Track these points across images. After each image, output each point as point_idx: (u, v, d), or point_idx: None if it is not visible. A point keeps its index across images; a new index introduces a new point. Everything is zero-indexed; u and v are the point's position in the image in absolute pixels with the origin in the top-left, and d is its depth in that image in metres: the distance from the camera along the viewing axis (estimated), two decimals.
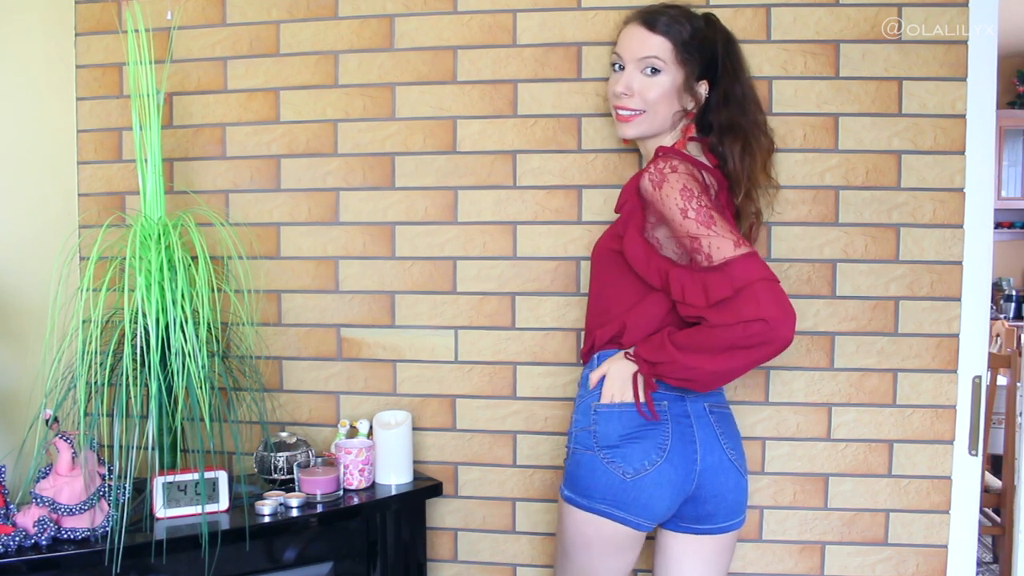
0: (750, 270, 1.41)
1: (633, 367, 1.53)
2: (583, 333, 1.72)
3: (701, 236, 1.44)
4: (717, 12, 1.79)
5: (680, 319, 1.52)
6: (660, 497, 1.51)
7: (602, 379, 1.56)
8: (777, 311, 1.40)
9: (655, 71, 1.57)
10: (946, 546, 1.82)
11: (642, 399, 1.51)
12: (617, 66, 1.62)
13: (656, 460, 1.50)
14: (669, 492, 1.51)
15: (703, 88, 1.60)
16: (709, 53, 1.59)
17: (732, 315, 1.40)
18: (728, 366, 1.46)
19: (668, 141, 1.62)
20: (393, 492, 1.80)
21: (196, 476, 1.65)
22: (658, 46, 1.56)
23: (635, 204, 1.54)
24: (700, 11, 1.63)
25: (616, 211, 1.60)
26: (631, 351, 1.55)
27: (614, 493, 1.50)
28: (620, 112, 1.61)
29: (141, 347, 1.64)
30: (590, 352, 1.63)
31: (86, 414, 1.55)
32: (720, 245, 1.43)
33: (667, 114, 1.59)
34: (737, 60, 1.63)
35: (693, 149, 1.61)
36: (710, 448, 1.54)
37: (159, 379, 1.61)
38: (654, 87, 1.57)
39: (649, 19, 1.58)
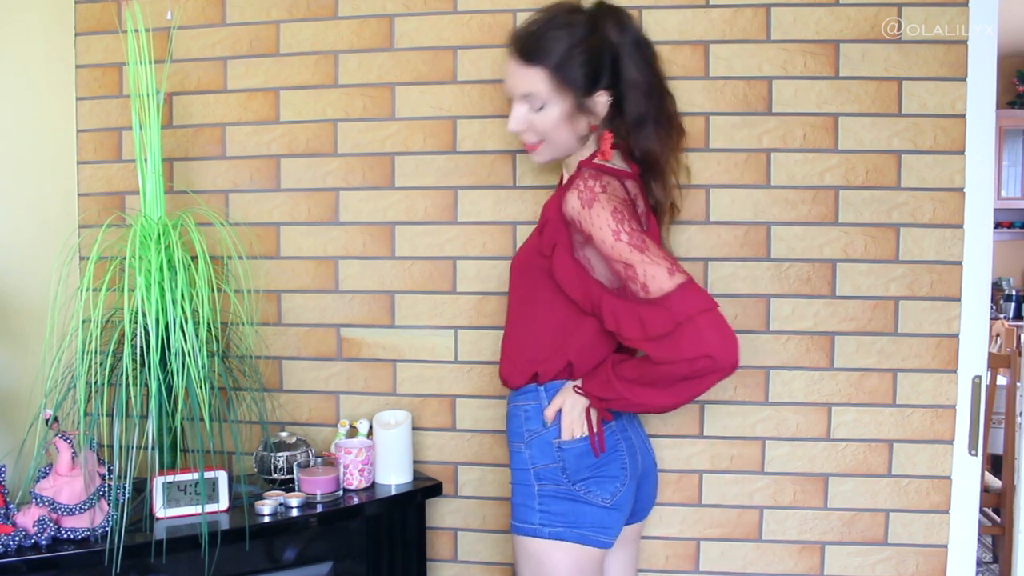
0: (689, 303, 1.36)
1: (585, 401, 1.51)
2: (504, 353, 1.62)
3: (635, 263, 1.39)
4: (717, 12, 1.80)
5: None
6: (627, 509, 1.55)
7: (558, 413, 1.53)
8: (720, 343, 1.36)
9: (540, 106, 1.48)
10: (946, 546, 1.82)
11: (595, 430, 1.51)
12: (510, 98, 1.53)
13: (624, 479, 1.53)
14: (631, 502, 1.56)
15: (602, 99, 1.48)
16: (595, 61, 1.46)
17: (674, 351, 1.37)
18: (677, 400, 1.45)
19: (586, 153, 1.54)
20: (393, 492, 1.80)
21: (196, 476, 1.65)
22: (533, 80, 1.46)
23: (559, 223, 1.47)
24: (586, 4, 1.51)
25: (539, 230, 1.54)
26: (579, 384, 1.52)
27: (600, 519, 1.50)
28: (523, 143, 1.55)
29: (141, 347, 1.64)
30: (530, 381, 1.56)
31: (86, 414, 1.55)
32: (655, 275, 1.38)
33: (569, 138, 1.51)
34: (632, 49, 1.48)
35: (616, 158, 1.54)
36: (643, 452, 1.61)
37: (159, 379, 1.61)
38: (543, 120, 1.49)
39: (520, 47, 1.47)
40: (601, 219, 1.41)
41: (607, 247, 1.40)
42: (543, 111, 1.48)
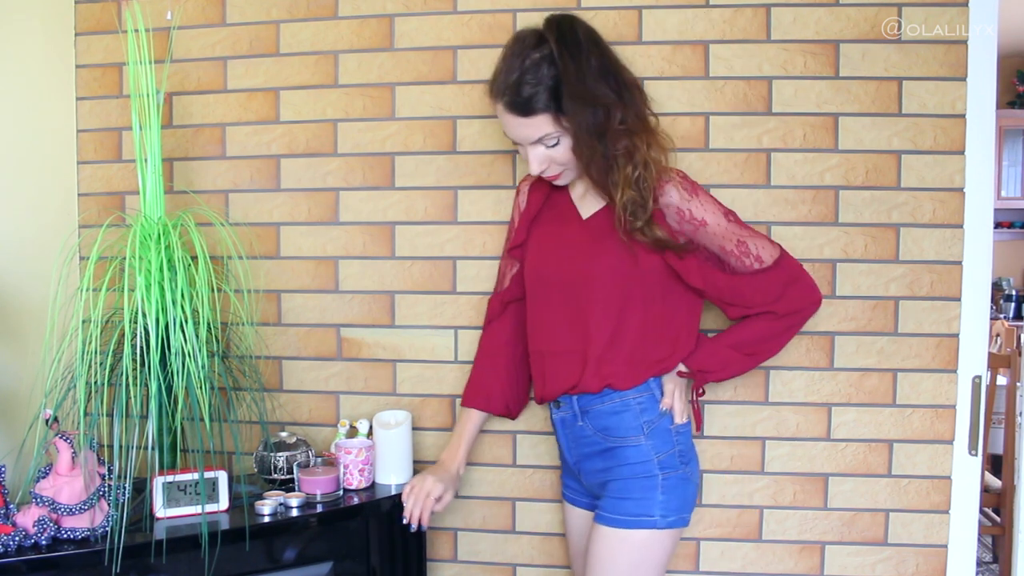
0: (793, 262, 1.62)
1: (688, 381, 1.64)
2: (602, 361, 1.60)
3: (746, 239, 1.58)
4: (717, 12, 1.80)
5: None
6: None
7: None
8: (815, 290, 1.64)
9: (554, 142, 1.53)
10: (946, 546, 1.82)
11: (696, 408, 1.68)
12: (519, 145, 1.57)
13: (696, 456, 1.69)
14: None
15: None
16: (567, 90, 1.49)
17: (793, 305, 1.60)
18: (782, 345, 1.67)
19: None
20: (393, 492, 1.80)
21: (196, 476, 1.65)
22: (541, 125, 1.51)
23: (659, 215, 1.54)
24: (532, 28, 1.55)
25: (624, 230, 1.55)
26: (681, 367, 1.63)
27: (693, 498, 1.64)
28: (546, 177, 1.60)
29: (141, 347, 1.64)
30: (641, 375, 1.60)
31: (86, 414, 1.55)
32: (764, 244, 1.59)
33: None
34: (583, 60, 1.49)
35: None
36: None
37: (159, 379, 1.61)
38: (561, 152, 1.54)
39: (514, 103, 1.50)
40: (710, 204, 1.57)
41: (721, 229, 1.57)
42: (558, 145, 1.54)
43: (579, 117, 1.49)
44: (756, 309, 1.59)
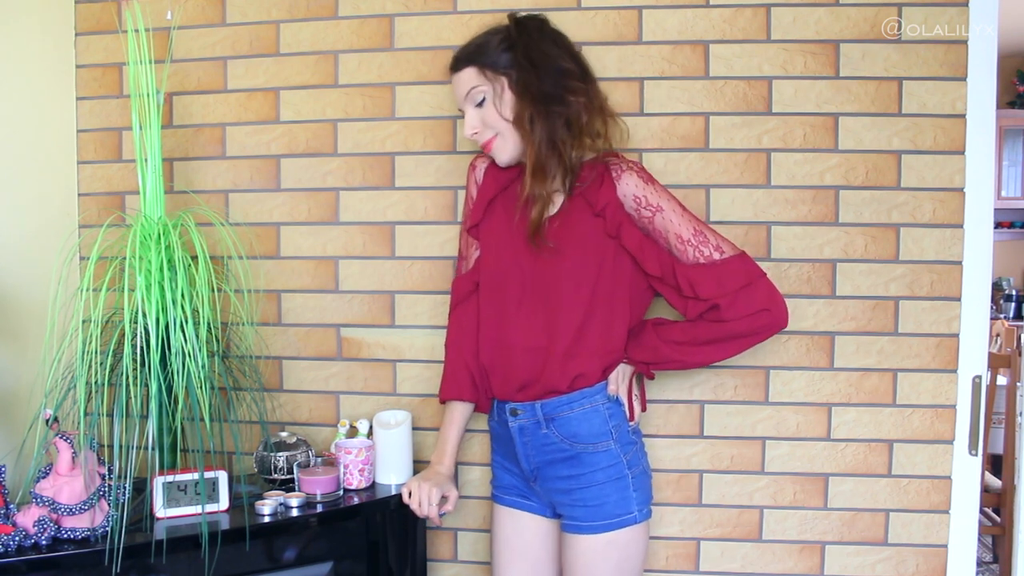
0: (754, 265, 1.57)
1: (631, 369, 1.64)
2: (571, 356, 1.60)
3: (704, 231, 1.57)
4: (717, 12, 1.81)
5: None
6: None
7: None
8: (781, 301, 1.57)
9: (482, 101, 1.59)
10: (946, 546, 1.82)
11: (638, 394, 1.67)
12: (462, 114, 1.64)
13: None
14: None
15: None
16: (511, 51, 1.57)
17: (744, 307, 1.54)
18: (728, 355, 1.62)
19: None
20: (393, 492, 1.80)
21: (196, 476, 1.65)
22: (469, 78, 1.59)
23: (617, 206, 1.58)
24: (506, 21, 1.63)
25: (599, 212, 1.58)
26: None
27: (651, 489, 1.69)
28: (482, 146, 1.62)
29: (141, 347, 1.64)
30: (604, 369, 1.62)
31: (86, 414, 1.55)
32: (725, 240, 1.58)
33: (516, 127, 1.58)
34: (533, 33, 1.59)
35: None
36: None
37: (159, 379, 1.61)
38: (487, 112, 1.58)
39: (453, 62, 1.62)
40: (665, 193, 1.59)
41: (677, 216, 1.57)
42: (485, 103, 1.59)
43: (522, 74, 1.55)
44: (700, 305, 1.55)
